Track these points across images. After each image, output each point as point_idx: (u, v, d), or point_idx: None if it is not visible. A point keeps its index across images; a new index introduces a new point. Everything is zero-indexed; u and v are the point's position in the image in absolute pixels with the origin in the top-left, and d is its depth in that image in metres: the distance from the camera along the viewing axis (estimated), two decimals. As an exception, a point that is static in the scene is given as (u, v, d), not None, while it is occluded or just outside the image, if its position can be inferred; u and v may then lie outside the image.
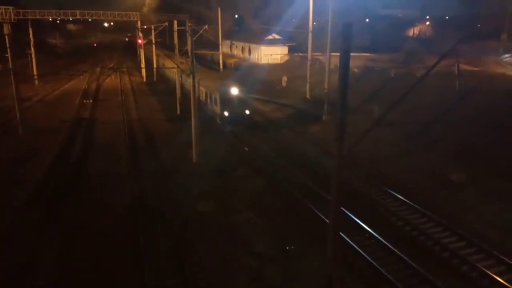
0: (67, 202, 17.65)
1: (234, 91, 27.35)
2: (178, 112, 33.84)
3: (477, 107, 25.26)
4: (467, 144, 21.63)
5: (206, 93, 30.76)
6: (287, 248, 13.70)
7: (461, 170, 19.12)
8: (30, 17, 49.62)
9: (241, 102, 27.41)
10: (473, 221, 15.50)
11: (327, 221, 9.48)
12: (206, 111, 30.56)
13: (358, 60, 43.34)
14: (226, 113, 26.68)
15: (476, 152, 20.74)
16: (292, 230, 15.09)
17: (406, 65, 37.95)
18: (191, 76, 21.83)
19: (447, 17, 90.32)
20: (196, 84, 27.32)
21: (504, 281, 11.87)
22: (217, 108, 27.62)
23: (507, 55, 46.47)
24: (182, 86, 36.17)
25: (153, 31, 53.75)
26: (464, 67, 32.33)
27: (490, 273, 12.22)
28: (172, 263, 13.16)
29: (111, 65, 74.89)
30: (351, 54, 7.89)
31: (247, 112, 27.49)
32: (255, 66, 60.42)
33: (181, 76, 35.81)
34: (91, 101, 41.58)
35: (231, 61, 66.72)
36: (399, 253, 13.24)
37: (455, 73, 27.35)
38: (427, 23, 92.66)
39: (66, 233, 15.10)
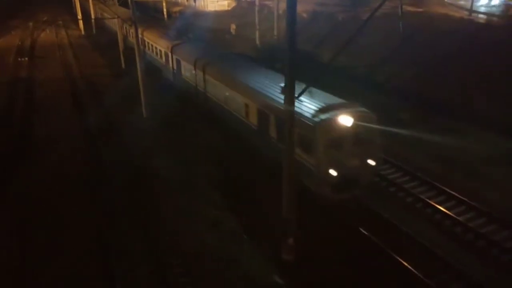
0: (14, 171, 16.74)
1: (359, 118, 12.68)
2: (123, 66, 32.26)
3: (420, 47, 26.15)
4: (411, 85, 22.61)
5: (158, 50, 28.30)
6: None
7: (408, 109, 20.24)
8: None
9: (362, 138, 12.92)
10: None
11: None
12: (152, 63, 29.37)
13: (305, 4, 42.70)
14: (333, 172, 12.34)
15: (418, 92, 21.79)
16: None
17: (354, 8, 37.93)
18: (133, 26, 20.62)
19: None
20: (140, 36, 25.92)
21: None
22: (308, 158, 12.65)
23: (449, -5, 47.58)
24: (125, 38, 34.24)
25: (87, -22, 49.56)
26: (407, 8, 32.87)
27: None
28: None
29: (45, 19, 69.02)
30: (298, -2, 7.73)
31: (373, 163, 13.20)
32: (202, 14, 58.07)
33: (123, 27, 33.80)
34: (26, 59, 38.52)
35: (176, 9, 63.55)
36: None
37: (399, 15, 27.86)
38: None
39: (16, 197, 14.54)
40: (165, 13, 54.80)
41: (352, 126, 12.39)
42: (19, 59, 38.47)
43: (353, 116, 12.39)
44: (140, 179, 15.57)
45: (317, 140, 12.08)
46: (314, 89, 14.44)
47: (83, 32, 52.77)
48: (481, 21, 29.16)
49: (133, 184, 15.24)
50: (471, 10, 31.16)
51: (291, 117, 9.06)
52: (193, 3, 67.55)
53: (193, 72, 21.79)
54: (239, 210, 13.62)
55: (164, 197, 14.40)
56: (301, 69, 10.43)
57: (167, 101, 23.69)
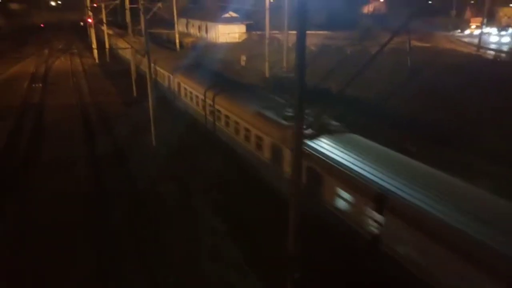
0: (18, 190, 16.80)
1: None
2: (135, 94, 32.85)
3: (426, 82, 26.38)
4: (417, 117, 22.64)
5: (167, 77, 29.12)
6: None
7: (413, 140, 20.23)
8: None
9: None
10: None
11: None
12: (165, 94, 29.85)
13: (315, 38, 43.63)
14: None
15: (425, 124, 21.78)
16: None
17: (361, 42, 38.67)
18: (146, 56, 21.13)
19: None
20: (152, 65, 26.53)
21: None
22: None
23: (457, 31, 48.36)
24: (137, 67, 35.03)
25: (103, 9, 51.33)
26: (415, 43, 33.43)
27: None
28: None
29: (60, 47, 71.12)
30: (308, 32, 7.92)
31: None
32: (213, 45, 59.45)
33: (136, 57, 34.62)
34: (40, 85, 39.43)
35: (188, 40, 65.25)
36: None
37: (407, 50, 28.27)
38: (381, 0, 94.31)
39: (15, 223, 14.42)
40: (177, 44, 56.26)
41: None
42: (33, 85, 39.37)
43: None
44: (143, 206, 15.51)
45: None
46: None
47: (97, 61, 54.13)
48: (489, 56, 29.48)
49: (135, 211, 15.17)
50: (479, 46, 31.55)
51: (299, 148, 9.06)
52: (205, 35, 69.32)
53: (203, 100, 22.09)
54: (241, 238, 13.45)
55: (165, 223, 14.30)
56: (310, 100, 10.57)
57: (177, 129, 23.88)
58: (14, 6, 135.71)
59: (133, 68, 33.33)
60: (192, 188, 16.99)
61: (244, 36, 64.39)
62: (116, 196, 16.36)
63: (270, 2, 35.63)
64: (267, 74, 37.68)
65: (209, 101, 21.24)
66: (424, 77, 27.09)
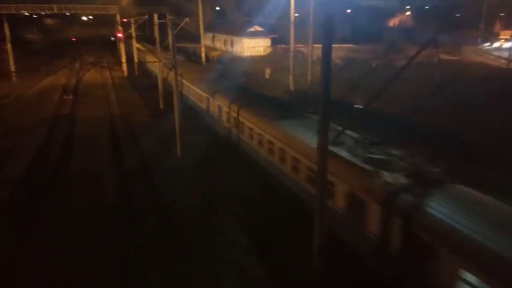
0: (48, 203, 17.23)
1: None
2: (161, 106, 33.54)
3: (455, 95, 25.79)
4: (445, 132, 22.06)
5: (206, 98, 26.83)
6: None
7: (442, 157, 19.58)
8: (5, 11, 48.31)
9: None
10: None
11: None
12: (190, 105, 30.28)
13: (339, 51, 43.55)
14: None
15: (453, 140, 21.21)
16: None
17: (387, 55, 38.34)
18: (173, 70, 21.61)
19: (426, 7, 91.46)
20: (179, 78, 27.00)
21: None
22: None
23: (486, 44, 47.29)
24: (164, 80, 35.80)
25: (132, 24, 52.91)
26: (443, 56, 32.87)
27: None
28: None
29: (91, 60, 73.56)
30: (333, 45, 7.94)
31: None
32: (238, 59, 60.19)
33: (164, 70, 35.41)
34: (71, 96, 40.81)
35: (214, 54, 66.29)
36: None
37: (434, 63, 27.79)
38: (407, 13, 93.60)
39: (45, 235, 14.73)
40: (203, 57, 57.29)
41: None
42: (64, 97, 40.79)
43: None
44: (167, 219, 15.64)
45: None
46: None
47: (125, 74, 55.64)
48: (521, 70, 28.71)
49: (160, 224, 15.31)
50: (509, 59, 30.76)
51: (324, 162, 9.03)
52: (230, 49, 70.28)
53: (229, 114, 22.20)
54: (267, 255, 13.33)
55: (189, 237, 14.37)
56: (334, 114, 10.50)
57: (203, 141, 24.14)
58: (48, 21, 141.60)
59: (160, 81, 34.09)
60: (213, 200, 17.07)
61: (269, 50, 64.94)
62: (141, 209, 16.54)
63: (294, 16, 35.89)
64: (291, 87, 37.74)
65: (234, 114, 21.30)
66: (453, 91, 26.55)
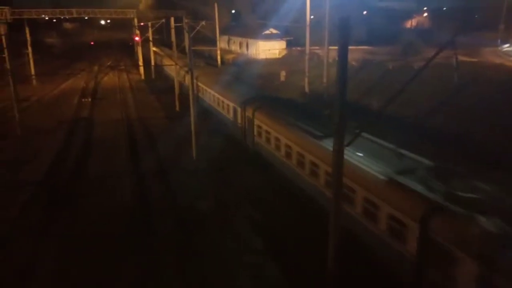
0: (66, 205, 17.52)
1: None
2: (177, 109, 33.85)
3: (474, 98, 25.33)
4: (464, 135, 21.67)
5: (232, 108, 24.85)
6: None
7: (459, 161, 19.29)
8: (25, 16, 49.49)
9: None
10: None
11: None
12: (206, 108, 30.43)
13: (356, 53, 43.27)
14: None
15: (472, 143, 20.81)
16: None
17: (404, 57, 37.92)
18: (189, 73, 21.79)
19: (444, 8, 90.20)
20: (195, 81, 27.17)
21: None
22: None
23: (505, 46, 46.36)
24: (181, 83, 36.11)
25: (150, 28, 53.59)
26: (462, 58, 32.35)
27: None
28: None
29: (109, 63, 74.74)
30: (349, 47, 7.91)
31: None
32: (254, 61, 60.33)
33: (180, 73, 35.74)
34: (89, 99, 41.52)
35: (229, 56, 66.58)
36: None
37: (453, 65, 27.40)
38: (425, 14, 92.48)
39: (64, 237, 14.98)
40: (218, 60, 57.67)
41: None
42: (83, 100, 41.52)
43: None
44: (182, 220, 15.76)
45: None
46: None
47: (142, 77, 56.35)
48: (542, 72, 28.05)
49: (175, 226, 15.43)
50: (530, 61, 30.12)
51: (340, 165, 8.96)
52: (246, 51, 70.51)
53: (243, 115, 22.25)
54: (281, 257, 13.32)
55: (203, 238, 14.46)
56: (350, 116, 10.40)
57: (218, 143, 24.27)
58: (67, 25, 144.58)
59: (176, 84, 34.42)
60: (227, 201, 17.12)
61: (284, 52, 64.94)
62: (157, 212, 16.67)
63: (310, 18, 35.84)
64: (306, 89, 37.68)
65: (248, 115, 21.32)
66: (471, 93, 26.10)
